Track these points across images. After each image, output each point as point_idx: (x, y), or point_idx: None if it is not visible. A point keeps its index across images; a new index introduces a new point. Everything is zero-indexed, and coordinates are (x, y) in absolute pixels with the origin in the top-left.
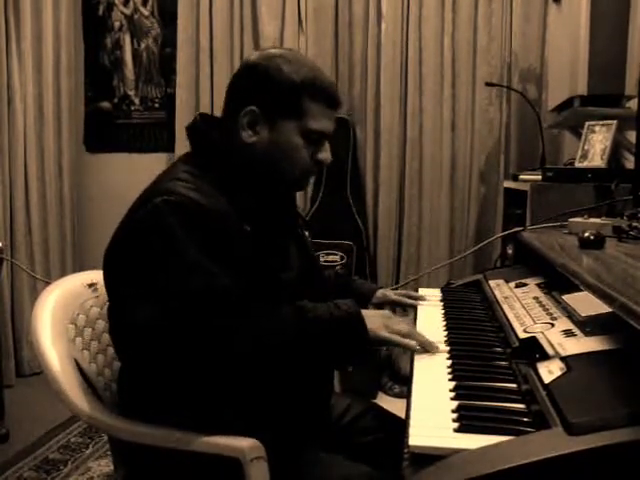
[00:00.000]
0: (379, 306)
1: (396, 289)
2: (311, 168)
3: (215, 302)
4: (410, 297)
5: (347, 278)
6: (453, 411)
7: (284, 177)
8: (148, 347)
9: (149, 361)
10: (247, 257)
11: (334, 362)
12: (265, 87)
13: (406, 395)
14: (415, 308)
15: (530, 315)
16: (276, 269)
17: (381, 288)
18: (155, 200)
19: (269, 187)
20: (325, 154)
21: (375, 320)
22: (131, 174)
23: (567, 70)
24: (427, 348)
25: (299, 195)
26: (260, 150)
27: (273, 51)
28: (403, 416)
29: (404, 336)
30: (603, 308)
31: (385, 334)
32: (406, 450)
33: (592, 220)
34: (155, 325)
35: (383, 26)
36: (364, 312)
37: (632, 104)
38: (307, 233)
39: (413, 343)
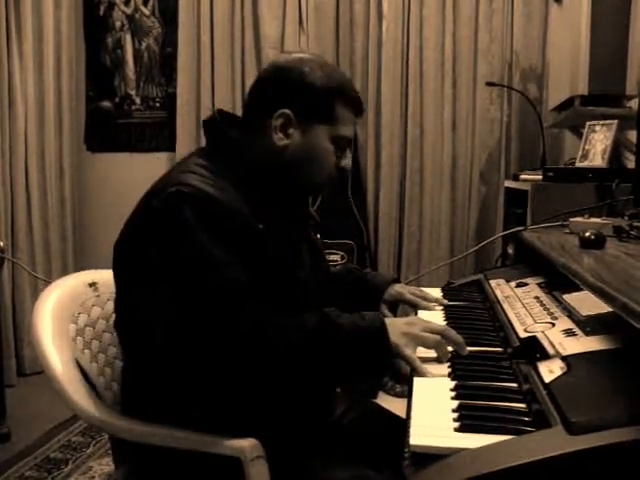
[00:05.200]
0: (392, 304)
1: (407, 284)
2: (334, 175)
3: (233, 296)
4: (425, 299)
5: (359, 272)
6: (454, 410)
7: (310, 182)
8: (165, 344)
9: (160, 358)
10: (261, 254)
11: (353, 372)
12: (299, 90)
13: (407, 395)
14: (416, 307)
15: (531, 315)
16: (291, 267)
17: (396, 281)
18: (168, 190)
19: (293, 190)
20: (347, 161)
21: (399, 336)
22: (132, 174)
23: (568, 70)
24: (460, 350)
25: None
26: (291, 153)
27: (302, 55)
28: (404, 416)
29: (432, 347)
30: (604, 308)
31: (407, 353)
32: (407, 449)
33: (593, 220)
34: (173, 322)
35: (384, 25)
36: (389, 322)
37: (633, 104)
38: (318, 235)
39: (427, 374)
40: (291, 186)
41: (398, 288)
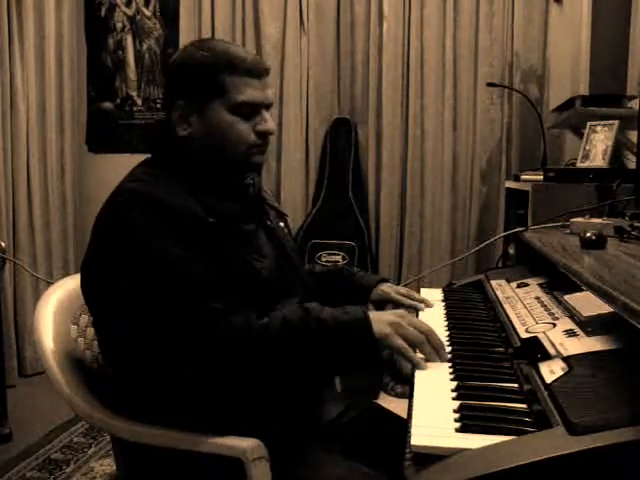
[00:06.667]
0: (379, 303)
1: (398, 284)
2: (254, 142)
3: (201, 292)
4: (411, 298)
5: (348, 272)
6: (455, 411)
7: (229, 158)
8: (143, 349)
9: (142, 363)
10: (216, 248)
11: (337, 367)
12: (183, 78)
13: (408, 395)
14: (402, 306)
15: (532, 315)
16: (248, 258)
17: (384, 280)
18: (115, 201)
19: (220, 173)
20: (265, 124)
21: (385, 326)
22: None
23: (569, 70)
24: (439, 355)
25: (300, 194)
26: (198, 140)
27: (187, 45)
28: (405, 416)
29: (415, 343)
30: (605, 308)
31: (396, 342)
32: (408, 450)
33: (594, 220)
34: (147, 328)
35: (385, 27)
36: (374, 316)
37: (634, 104)
38: (282, 224)
39: (420, 361)
40: (214, 168)
41: (385, 288)
